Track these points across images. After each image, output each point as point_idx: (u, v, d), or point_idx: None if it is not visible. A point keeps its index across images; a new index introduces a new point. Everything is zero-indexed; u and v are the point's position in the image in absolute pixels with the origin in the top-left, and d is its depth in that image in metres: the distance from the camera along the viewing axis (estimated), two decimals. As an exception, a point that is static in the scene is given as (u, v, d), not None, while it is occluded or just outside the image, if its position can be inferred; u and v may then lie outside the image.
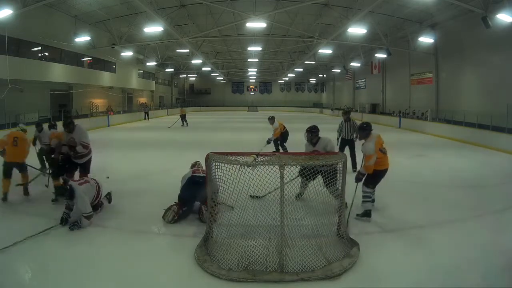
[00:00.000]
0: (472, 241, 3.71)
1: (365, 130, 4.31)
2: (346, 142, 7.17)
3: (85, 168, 5.05)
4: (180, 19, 16.78)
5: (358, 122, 6.57)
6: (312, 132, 4.81)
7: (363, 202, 4.28)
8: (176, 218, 4.17)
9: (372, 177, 4.22)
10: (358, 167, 5.63)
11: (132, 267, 3.10)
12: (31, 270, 3.10)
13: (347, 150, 7.05)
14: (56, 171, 5.01)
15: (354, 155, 6.97)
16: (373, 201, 4.35)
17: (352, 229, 3.74)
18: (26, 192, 5.21)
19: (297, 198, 4.59)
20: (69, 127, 4.88)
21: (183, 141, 12.15)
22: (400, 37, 18.57)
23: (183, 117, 18.91)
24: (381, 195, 5.46)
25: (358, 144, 6.24)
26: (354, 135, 7.05)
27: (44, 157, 6.50)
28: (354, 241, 3.47)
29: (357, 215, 4.27)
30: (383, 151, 4.24)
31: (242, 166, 3.27)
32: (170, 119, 21.17)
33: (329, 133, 5.20)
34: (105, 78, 21.54)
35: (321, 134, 4.92)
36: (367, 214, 4.25)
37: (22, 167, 5.19)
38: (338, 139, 7.24)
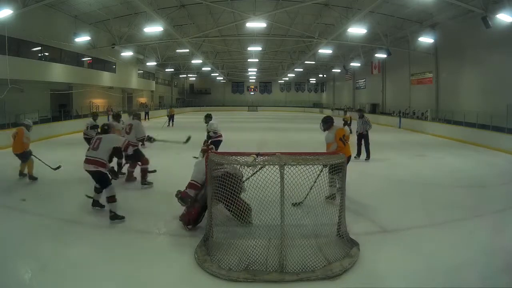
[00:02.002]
0: (472, 241, 3.70)
1: (327, 122, 5.06)
2: (361, 136, 8.45)
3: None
4: (180, 19, 16.78)
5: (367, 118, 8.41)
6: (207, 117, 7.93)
7: (330, 186, 4.56)
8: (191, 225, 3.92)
9: None
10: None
11: (132, 268, 3.10)
12: (31, 270, 3.10)
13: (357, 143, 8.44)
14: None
15: (368, 146, 8.35)
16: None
17: (352, 229, 3.74)
18: (32, 177, 6.22)
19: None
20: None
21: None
22: (400, 37, 18.58)
23: (171, 117, 18.82)
24: (381, 195, 5.48)
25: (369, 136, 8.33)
26: (367, 129, 8.36)
27: None
28: (354, 241, 3.47)
29: (326, 197, 4.49)
30: (343, 141, 4.90)
31: (242, 166, 3.27)
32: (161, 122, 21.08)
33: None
34: (105, 78, 21.54)
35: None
36: (333, 197, 4.55)
37: (21, 157, 6.27)
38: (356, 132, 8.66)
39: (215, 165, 3.47)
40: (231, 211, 3.65)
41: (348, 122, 15.13)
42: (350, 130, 14.82)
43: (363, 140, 8.42)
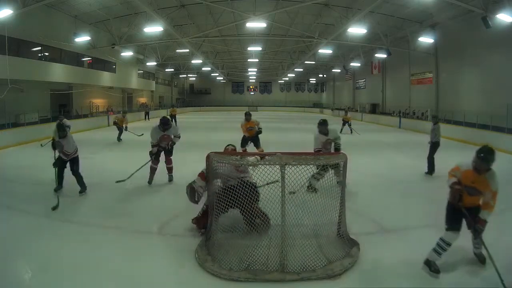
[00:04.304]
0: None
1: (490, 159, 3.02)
2: (437, 145, 7.13)
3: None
4: (180, 19, 16.78)
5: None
6: (322, 124, 5.61)
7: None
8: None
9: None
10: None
11: (132, 268, 3.10)
12: (31, 270, 3.10)
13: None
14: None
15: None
16: None
17: (352, 229, 3.74)
18: None
19: (308, 190, 4.47)
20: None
21: (183, 141, 12.13)
22: (400, 37, 18.58)
23: (173, 117, 18.74)
24: (381, 194, 5.47)
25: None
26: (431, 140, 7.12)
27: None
28: (354, 241, 3.48)
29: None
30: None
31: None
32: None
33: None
34: (105, 78, 21.53)
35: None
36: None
37: None
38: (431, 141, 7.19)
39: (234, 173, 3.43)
40: (247, 220, 3.48)
41: (349, 122, 15.11)
42: (351, 130, 14.82)
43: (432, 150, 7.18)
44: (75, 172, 5.37)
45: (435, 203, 5.09)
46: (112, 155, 9.42)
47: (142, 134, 11.40)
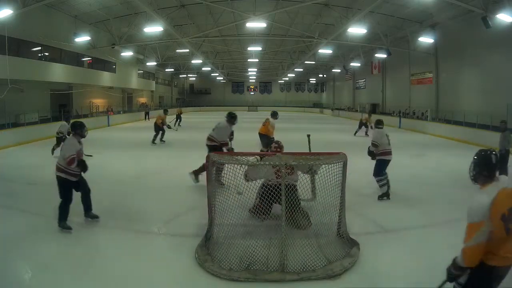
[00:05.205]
0: (472, 241, 3.70)
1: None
2: (506, 155, 6.11)
3: None
4: (180, 19, 16.79)
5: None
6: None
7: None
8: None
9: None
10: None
11: (132, 267, 3.10)
12: (31, 270, 3.10)
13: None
14: None
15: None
16: None
17: (352, 229, 3.74)
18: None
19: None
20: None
21: (183, 141, 12.17)
22: (400, 37, 18.59)
23: (178, 117, 18.70)
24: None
25: None
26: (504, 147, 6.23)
27: None
28: (354, 241, 3.48)
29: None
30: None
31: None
32: (170, 119, 21.14)
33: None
34: (105, 78, 21.53)
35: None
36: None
37: None
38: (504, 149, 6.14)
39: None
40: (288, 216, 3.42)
41: (371, 125, 14.26)
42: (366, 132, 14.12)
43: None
44: (88, 191, 4.05)
45: (435, 203, 5.12)
46: (112, 155, 9.41)
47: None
